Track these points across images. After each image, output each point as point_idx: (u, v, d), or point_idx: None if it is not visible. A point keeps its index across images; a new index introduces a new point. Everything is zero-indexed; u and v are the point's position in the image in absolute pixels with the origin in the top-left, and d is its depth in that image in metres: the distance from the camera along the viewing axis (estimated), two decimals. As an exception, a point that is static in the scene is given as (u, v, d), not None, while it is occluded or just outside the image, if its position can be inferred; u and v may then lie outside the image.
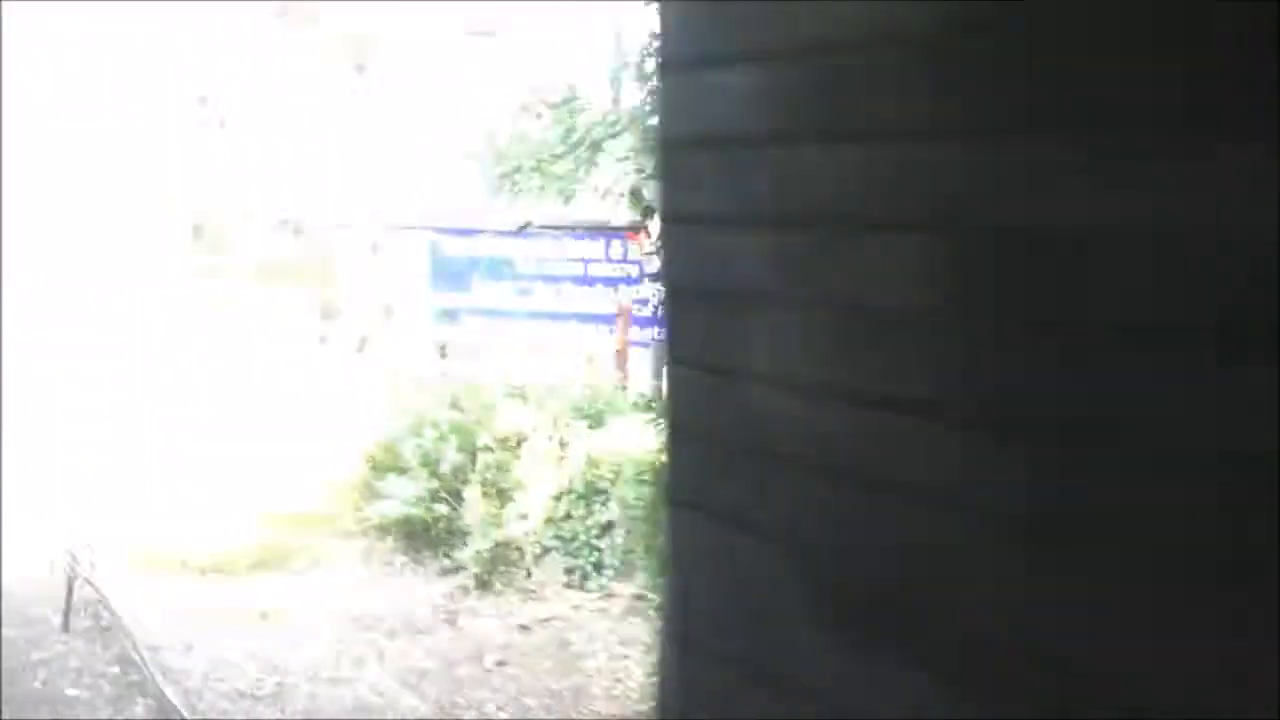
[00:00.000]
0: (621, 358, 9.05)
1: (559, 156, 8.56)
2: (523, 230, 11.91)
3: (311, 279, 14.27)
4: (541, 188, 8.94)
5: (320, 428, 8.53)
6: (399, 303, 10.96)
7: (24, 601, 6.83)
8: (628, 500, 6.89)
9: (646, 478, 7.02)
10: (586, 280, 11.82)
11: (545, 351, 10.33)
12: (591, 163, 8.76)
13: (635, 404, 8.22)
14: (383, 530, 7.60)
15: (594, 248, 11.83)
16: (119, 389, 9.97)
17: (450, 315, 11.99)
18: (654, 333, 10.25)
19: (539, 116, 9.41)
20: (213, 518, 8.02)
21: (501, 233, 12.04)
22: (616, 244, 11.66)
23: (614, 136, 8.74)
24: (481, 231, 12.14)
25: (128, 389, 10.00)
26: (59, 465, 8.71)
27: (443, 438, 7.39)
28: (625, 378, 8.90)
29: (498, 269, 12.14)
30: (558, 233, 11.70)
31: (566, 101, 9.10)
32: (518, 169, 8.82)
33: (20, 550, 7.52)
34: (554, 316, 11.63)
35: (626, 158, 8.69)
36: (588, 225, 11.37)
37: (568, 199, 8.99)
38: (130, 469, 8.95)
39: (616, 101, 9.29)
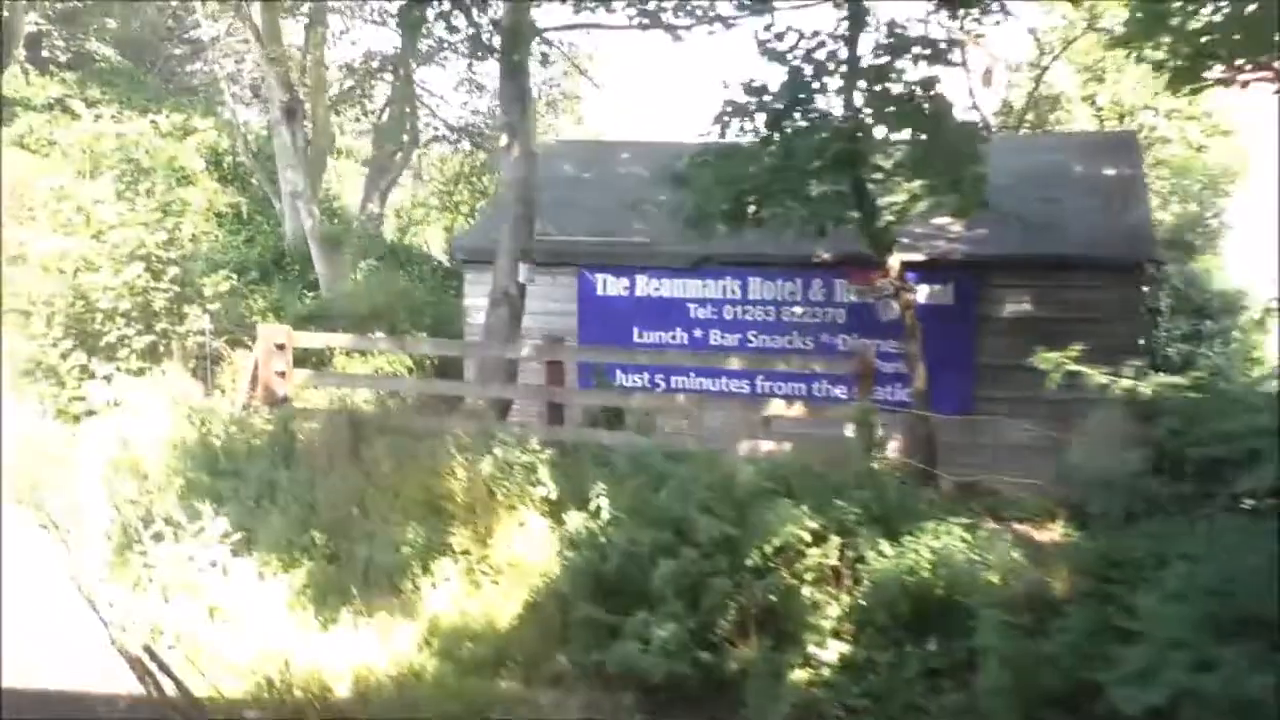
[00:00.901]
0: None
1: (810, 175, 6.59)
2: (699, 267, 9.97)
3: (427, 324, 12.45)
4: (766, 216, 6.96)
5: (510, 532, 6.56)
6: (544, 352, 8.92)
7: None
8: (988, 641, 4.86)
9: (1011, 620, 5.00)
10: (779, 327, 9.87)
11: (753, 421, 8.34)
12: (840, 185, 6.75)
13: (925, 498, 6.24)
14: (610, 679, 5.61)
15: (785, 288, 9.89)
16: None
17: (607, 372, 10.01)
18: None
19: (741, 132, 7.48)
20: (366, 649, 6.08)
21: (670, 271, 10.08)
22: (817, 283, 9.73)
23: (874, 154, 6.75)
24: (645, 269, 10.19)
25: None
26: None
27: (707, 556, 5.40)
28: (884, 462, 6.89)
29: (665, 313, 10.17)
30: (743, 270, 9.74)
31: (798, 107, 7.16)
32: (746, 193, 6.88)
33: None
34: (737, 375, 9.65)
35: (890, 181, 6.72)
36: (784, 261, 9.42)
37: (821, 230, 7.01)
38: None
39: (852, 110, 7.33)
